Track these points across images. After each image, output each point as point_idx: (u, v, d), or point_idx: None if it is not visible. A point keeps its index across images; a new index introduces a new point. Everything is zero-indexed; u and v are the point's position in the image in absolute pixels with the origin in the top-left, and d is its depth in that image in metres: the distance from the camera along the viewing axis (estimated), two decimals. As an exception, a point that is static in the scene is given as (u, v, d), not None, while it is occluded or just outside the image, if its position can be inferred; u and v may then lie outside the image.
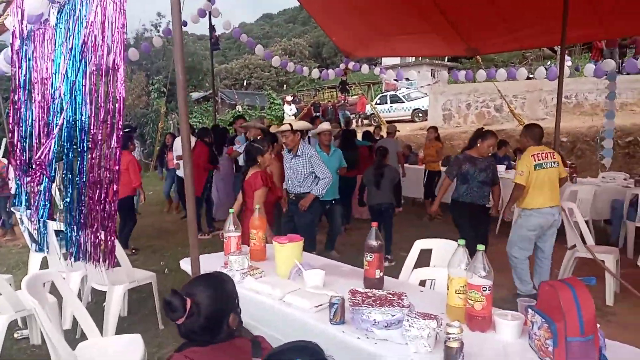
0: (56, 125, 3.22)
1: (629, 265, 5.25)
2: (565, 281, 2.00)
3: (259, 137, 6.04)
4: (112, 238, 3.12)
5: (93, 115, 2.99)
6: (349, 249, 6.37)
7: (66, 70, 3.18)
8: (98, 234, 3.15)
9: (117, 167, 2.97)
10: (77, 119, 3.11)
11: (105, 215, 3.06)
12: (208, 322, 1.65)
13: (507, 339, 2.08)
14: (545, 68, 8.81)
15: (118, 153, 2.98)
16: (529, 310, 2.05)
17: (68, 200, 3.26)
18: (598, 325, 1.93)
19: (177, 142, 8.15)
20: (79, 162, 3.17)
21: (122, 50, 2.83)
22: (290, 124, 5.18)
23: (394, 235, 6.08)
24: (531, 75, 10.33)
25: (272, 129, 5.45)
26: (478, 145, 4.99)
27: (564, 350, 1.85)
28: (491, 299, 2.18)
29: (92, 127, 3.00)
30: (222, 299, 1.71)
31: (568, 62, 15.21)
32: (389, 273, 2.91)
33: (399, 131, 10.71)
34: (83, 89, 3.05)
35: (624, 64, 9.33)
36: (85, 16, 3.01)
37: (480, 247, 2.16)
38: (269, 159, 4.45)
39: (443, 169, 8.50)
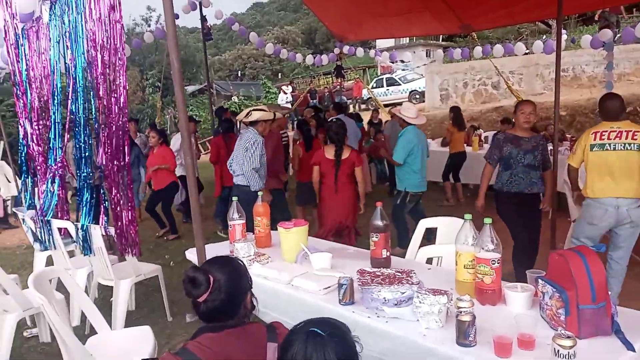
0: (57, 124, 3.21)
1: (634, 234, 5.23)
2: (575, 249, 1.99)
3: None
4: (135, 228, 3.15)
5: (102, 109, 2.98)
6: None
7: (67, 68, 3.16)
8: (121, 225, 3.18)
9: (127, 159, 3.00)
10: (81, 116, 3.10)
11: (127, 205, 3.09)
12: (229, 298, 1.64)
13: (518, 311, 2.07)
14: (542, 42, 8.76)
15: (127, 146, 3.00)
16: (539, 280, 2.04)
17: (87, 196, 3.27)
18: (610, 292, 1.93)
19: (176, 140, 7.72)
20: (94, 157, 3.17)
21: (122, 43, 2.81)
22: (274, 112, 5.18)
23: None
24: (527, 51, 10.26)
25: (243, 117, 5.17)
26: (514, 120, 4.26)
27: (576, 318, 1.85)
28: (500, 272, 2.17)
29: (100, 122, 2.99)
30: (238, 276, 1.70)
31: (564, 35, 15.21)
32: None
33: None
34: (93, 85, 3.03)
35: (619, 34, 9.27)
36: (82, 11, 2.98)
37: (488, 220, 2.15)
38: None
39: (469, 149, 8.29)
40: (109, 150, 2.98)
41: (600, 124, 3.86)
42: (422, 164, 5.28)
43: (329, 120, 8.01)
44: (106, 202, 3.26)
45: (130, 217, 3.08)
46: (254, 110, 4.99)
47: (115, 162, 2.99)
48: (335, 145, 4.62)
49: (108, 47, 2.83)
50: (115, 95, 2.81)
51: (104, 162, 3.00)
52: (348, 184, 4.66)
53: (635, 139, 3.66)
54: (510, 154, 4.14)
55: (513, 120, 4.24)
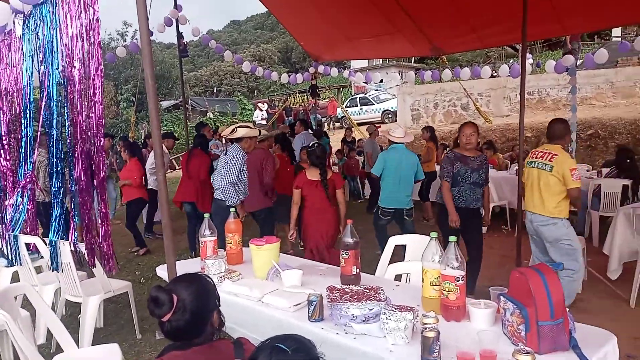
0: (28, 138, 3.18)
1: (595, 253, 5.43)
2: (534, 267, 2.08)
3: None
4: (109, 242, 3.12)
5: (78, 124, 2.96)
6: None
7: (40, 81, 3.14)
8: (94, 239, 3.15)
9: (103, 174, 2.98)
10: (54, 130, 3.08)
11: (100, 219, 3.07)
12: (193, 318, 1.64)
13: (481, 327, 2.13)
14: (509, 66, 9.06)
15: (103, 160, 2.99)
16: (501, 297, 2.11)
17: (58, 211, 3.22)
18: (567, 309, 2.01)
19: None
20: (68, 173, 3.14)
21: (100, 58, 2.82)
22: (259, 130, 5.33)
23: (369, 234, 6.21)
24: (495, 74, 10.59)
25: (228, 134, 5.16)
26: (459, 141, 4.59)
27: (535, 334, 1.92)
28: (464, 289, 2.24)
29: (76, 137, 2.97)
30: (204, 295, 1.71)
31: (529, 60, 15.76)
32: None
33: (378, 126, 10.62)
34: (65, 99, 3.02)
35: (581, 60, 9.66)
36: (57, 26, 2.98)
37: (452, 238, 2.23)
38: None
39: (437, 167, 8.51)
40: (84, 165, 2.97)
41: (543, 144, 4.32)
42: (396, 181, 5.39)
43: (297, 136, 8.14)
44: (77, 218, 3.22)
45: (103, 232, 3.06)
46: (239, 127, 5.01)
47: (90, 177, 2.98)
48: (319, 168, 4.68)
49: (85, 62, 2.83)
50: (93, 110, 2.81)
51: (82, 177, 2.99)
52: (331, 205, 4.75)
53: (551, 162, 4.01)
54: (459, 171, 4.44)
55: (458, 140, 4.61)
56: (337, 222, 4.72)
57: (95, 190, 3.02)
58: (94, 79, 2.78)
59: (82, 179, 2.99)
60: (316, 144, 4.91)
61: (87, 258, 3.31)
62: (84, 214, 3.13)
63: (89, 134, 2.87)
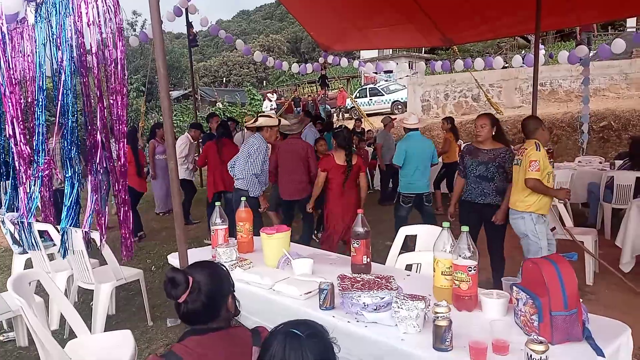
0: (42, 126, 3.19)
1: (607, 245, 5.39)
2: (548, 258, 2.07)
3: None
4: (129, 229, 3.15)
5: (100, 111, 2.97)
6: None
7: (53, 71, 3.14)
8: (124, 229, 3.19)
9: (123, 161, 3.01)
10: (69, 118, 3.08)
11: (122, 210, 3.09)
12: (209, 300, 1.66)
13: (494, 317, 2.13)
14: (522, 56, 8.97)
15: (124, 149, 3.02)
16: (514, 287, 2.10)
17: (70, 198, 3.24)
18: (581, 300, 2.00)
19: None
20: (88, 160, 3.16)
21: (122, 45, 2.82)
22: (279, 119, 5.37)
23: (379, 225, 6.22)
24: (506, 64, 10.48)
25: (249, 123, 5.34)
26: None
27: (548, 325, 1.91)
28: (477, 279, 2.23)
29: (94, 125, 2.98)
30: (219, 280, 1.73)
31: (542, 50, 15.59)
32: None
33: (394, 118, 10.50)
34: (82, 87, 3.03)
35: (595, 51, 9.54)
36: (70, 14, 2.97)
37: (464, 228, 2.22)
38: None
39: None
40: (106, 153, 2.99)
41: None
42: (416, 167, 5.45)
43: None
44: (93, 205, 3.24)
45: (122, 219, 3.08)
46: (260, 116, 5.16)
47: (113, 164, 3.01)
48: (345, 150, 4.87)
49: (106, 50, 2.84)
50: (118, 97, 2.83)
51: (104, 164, 3.01)
52: (355, 187, 4.96)
53: (521, 156, 3.94)
54: (466, 164, 4.37)
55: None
56: (358, 204, 4.79)
57: (116, 178, 3.04)
58: (115, 67, 2.78)
59: (104, 166, 3.01)
60: (343, 126, 5.02)
61: (98, 245, 3.34)
62: (101, 203, 3.14)
63: (112, 121, 2.89)
